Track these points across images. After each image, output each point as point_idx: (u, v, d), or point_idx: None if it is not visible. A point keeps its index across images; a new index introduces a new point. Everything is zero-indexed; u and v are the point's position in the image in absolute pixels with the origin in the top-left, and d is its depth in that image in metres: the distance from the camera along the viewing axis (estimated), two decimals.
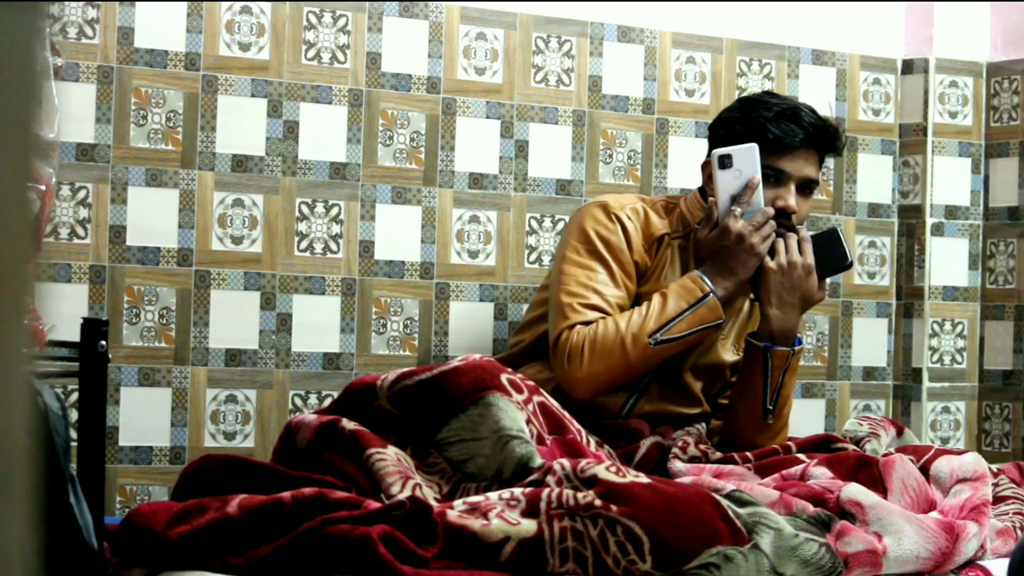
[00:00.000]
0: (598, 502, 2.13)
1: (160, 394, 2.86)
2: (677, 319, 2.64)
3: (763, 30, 3.45)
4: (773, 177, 2.71)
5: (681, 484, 2.30)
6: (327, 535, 2.05)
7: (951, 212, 3.57)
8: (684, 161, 3.29)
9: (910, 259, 3.56)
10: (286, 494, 2.14)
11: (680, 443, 2.63)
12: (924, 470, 2.59)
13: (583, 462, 2.23)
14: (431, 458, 2.31)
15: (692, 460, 2.59)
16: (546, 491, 2.16)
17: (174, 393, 2.87)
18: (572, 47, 3.23)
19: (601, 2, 3.27)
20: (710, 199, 2.70)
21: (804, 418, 3.41)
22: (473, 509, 2.15)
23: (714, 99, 3.35)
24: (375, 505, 2.12)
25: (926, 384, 3.53)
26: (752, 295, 2.80)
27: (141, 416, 2.84)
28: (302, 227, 2.98)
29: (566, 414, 2.47)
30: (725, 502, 2.22)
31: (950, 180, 3.57)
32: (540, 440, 2.34)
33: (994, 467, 2.69)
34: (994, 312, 3.58)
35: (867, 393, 3.53)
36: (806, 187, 2.75)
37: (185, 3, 2.89)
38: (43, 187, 1.85)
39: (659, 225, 2.79)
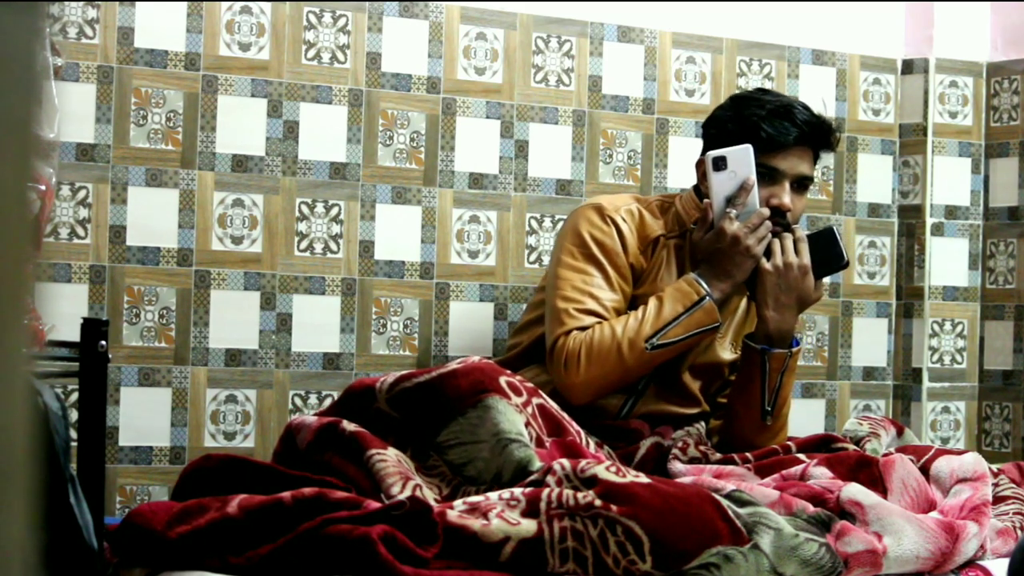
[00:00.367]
0: (598, 502, 2.13)
1: (160, 394, 2.86)
2: (673, 323, 2.63)
3: (763, 30, 3.45)
4: (767, 175, 2.70)
5: (681, 484, 2.30)
6: (327, 535, 2.05)
7: (951, 212, 3.57)
8: (684, 161, 3.29)
9: (910, 259, 3.56)
10: (286, 494, 2.14)
11: (680, 444, 2.63)
12: (924, 470, 2.59)
13: (583, 462, 2.23)
14: (431, 461, 2.31)
15: (692, 461, 2.59)
16: (546, 491, 2.16)
17: (174, 393, 2.87)
18: (572, 47, 3.23)
19: (601, 2, 3.27)
20: (705, 201, 2.69)
21: (804, 418, 3.41)
22: (473, 509, 2.15)
23: (714, 99, 3.35)
24: (375, 505, 2.12)
25: (926, 384, 3.53)
26: (749, 295, 2.80)
27: (141, 416, 2.84)
28: (302, 227, 2.98)
29: (565, 416, 2.47)
30: (725, 502, 2.22)
31: (950, 180, 3.57)
32: (539, 443, 2.33)
33: (994, 467, 2.69)
34: (994, 312, 3.58)
35: (867, 393, 3.53)
36: (801, 184, 2.74)
37: (185, 3, 2.89)
38: (43, 187, 1.85)
39: (654, 226, 2.78)
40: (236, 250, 2.93)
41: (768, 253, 2.68)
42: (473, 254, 3.12)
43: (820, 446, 2.71)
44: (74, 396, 2.54)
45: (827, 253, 2.71)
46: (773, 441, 2.71)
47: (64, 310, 2.72)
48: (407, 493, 2.16)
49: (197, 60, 2.90)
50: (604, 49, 3.26)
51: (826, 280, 3.49)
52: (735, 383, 2.78)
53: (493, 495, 2.20)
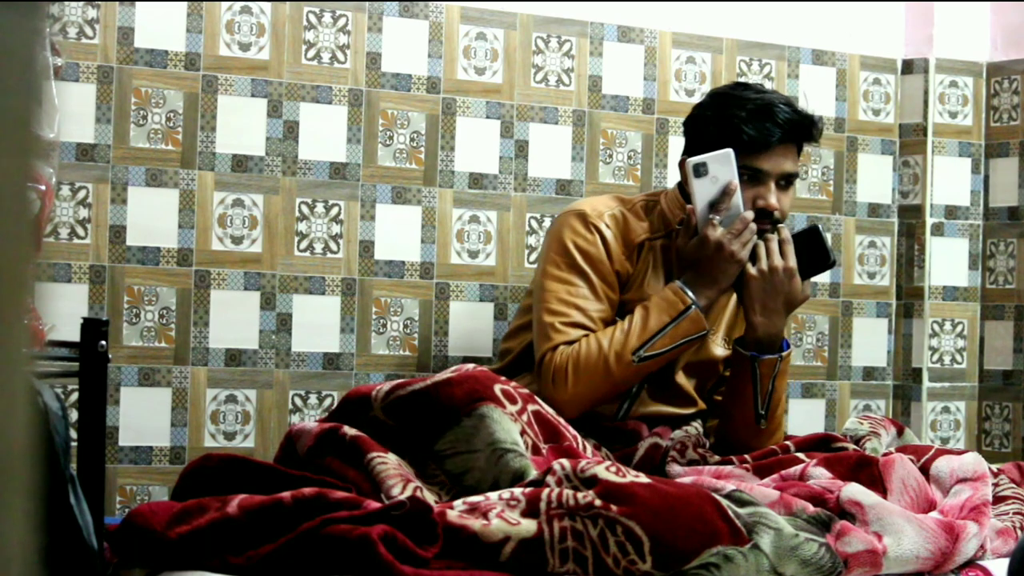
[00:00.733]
0: (598, 502, 2.13)
1: (160, 394, 2.86)
2: (660, 334, 2.61)
3: (763, 30, 3.45)
4: (752, 176, 2.67)
5: (681, 484, 2.30)
6: (327, 535, 2.05)
7: (951, 212, 3.57)
8: None
9: (910, 259, 3.56)
10: (286, 494, 2.14)
11: (677, 446, 2.63)
12: (924, 470, 2.59)
13: (583, 462, 2.23)
14: (429, 470, 2.31)
15: (690, 463, 2.59)
16: (546, 491, 2.16)
17: (174, 393, 2.87)
18: (572, 47, 3.23)
19: (601, 2, 3.27)
20: (688, 207, 2.65)
21: (804, 418, 3.41)
22: (473, 509, 2.15)
23: None
24: (375, 505, 2.12)
25: (926, 384, 3.53)
26: (737, 297, 2.79)
27: (141, 416, 2.84)
28: (302, 227, 2.98)
29: (561, 421, 2.46)
30: (725, 502, 2.22)
31: (950, 180, 3.57)
32: (535, 450, 2.33)
33: (994, 467, 2.69)
34: (994, 312, 3.58)
35: (867, 393, 3.53)
36: (786, 181, 2.71)
37: (185, 3, 2.89)
38: (43, 187, 1.85)
39: (639, 229, 2.75)
40: (236, 250, 2.93)
41: (753, 257, 2.65)
42: (473, 254, 3.12)
43: (819, 445, 2.71)
44: (74, 396, 2.53)
45: (813, 253, 2.68)
46: (770, 442, 2.71)
47: (64, 310, 2.72)
48: (407, 494, 2.17)
49: (197, 60, 2.90)
50: (604, 49, 3.26)
51: (825, 279, 3.49)
52: (727, 388, 2.77)
53: (493, 495, 2.20)
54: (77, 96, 2.79)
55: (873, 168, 3.56)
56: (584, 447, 2.49)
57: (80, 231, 2.81)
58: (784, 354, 2.71)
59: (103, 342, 2.02)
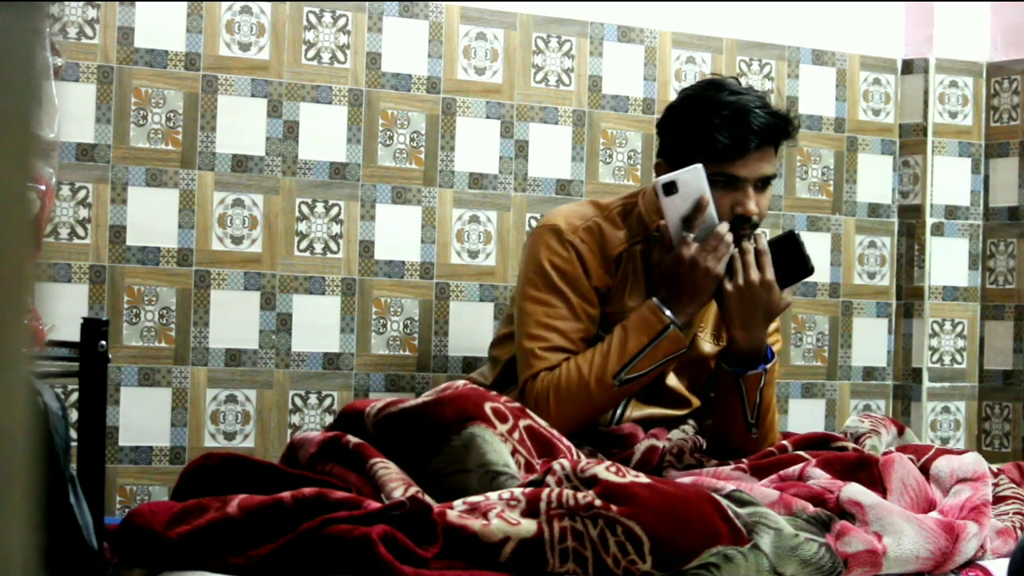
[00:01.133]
0: (598, 502, 2.13)
1: (160, 394, 2.86)
2: (639, 356, 2.56)
3: (763, 30, 3.45)
4: (728, 182, 2.60)
5: (681, 484, 2.30)
6: (327, 535, 2.05)
7: (951, 212, 3.57)
8: None
9: (910, 259, 3.56)
10: (286, 494, 2.14)
11: (675, 450, 2.62)
12: (924, 470, 2.59)
13: (583, 462, 2.23)
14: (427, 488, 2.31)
15: (687, 468, 2.58)
16: (546, 491, 2.16)
17: (174, 393, 2.87)
18: (572, 47, 3.23)
19: (601, 2, 3.27)
20: (661, 223, 2.59)
21: (804, 419, 3.41)
22: (473, 509, 2.16)
23: None
24: (375, 505, 2.12)
25: (926, 384, 3.53)
26: (718, 307, 2.71)
27: (141, 416, 2.84)
28: (302, 227, 2.98)
29: (554, 432, 2.44)
30: (725, 502, 2.22)
31: (950, 180, 3.57)
32: (529, 468, 2.32)
33: (994, 467, 2.69)
34: (994, 312, 3.58)
35: (867, 393, 3.53)
36: (763, 183, 2.65)
37: (185, 3, 2.89)
38: (43, 187, 1.85)
39: (616, 240, 2.69)
40: (236, 250, 2.93)
41: (730, 271, 2.58)
42: (473, 254, 3.12)
43: (817, 444, 2.71)
44: (74, 396, 2.53)
45: (791, 261, 2.60)
46: (764, 445, 2.69)
47: (64, 310, 2.72)
48: (408, 495, 2.17)
49: (197, 60, 2.90)
50: (604, 49, 3.26)
51: (825, 279, 3.49)
52: (716, 399, 2.72)
53: (493, 495, 2.20)
54: (77, 96, 2.79)
55: (873, 168, 3.56)
56: (579, 457, 2.48)
57: (80, 231, 2.81)
58: (768, 366, 2.65)
59: (103, 342, 2.02)
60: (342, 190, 3.01)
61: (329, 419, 2.96)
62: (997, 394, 3.57)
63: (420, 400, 2.38)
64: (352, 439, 2.34)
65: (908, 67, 3.59)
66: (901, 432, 2.91)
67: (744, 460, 2.59)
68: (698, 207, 2.54)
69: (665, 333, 2.56)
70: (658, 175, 2.70)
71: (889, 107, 3.59)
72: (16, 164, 0.69)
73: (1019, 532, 2.50)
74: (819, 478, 2.45)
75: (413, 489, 2.20)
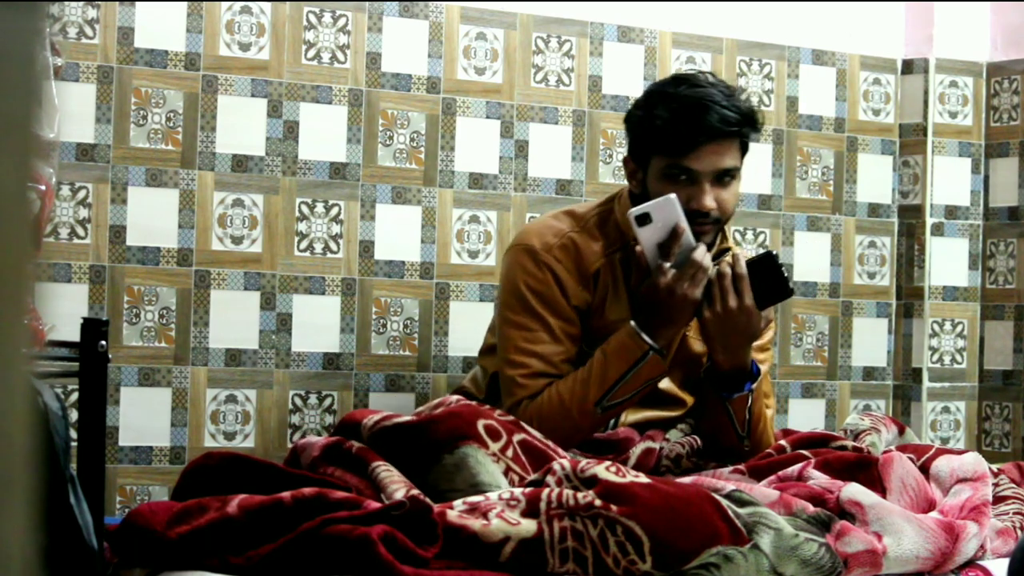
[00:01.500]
0: (598, 502, 2.13)
1: (160, 394, 2.86)
2: (620, 382, 2.53)
3: (763, 30, 3.45)
4: (683, 176, 2.56)
5: (681, 484, 2.30)
6: (327, 535, 2.05)
7: (951, 212, 3.57)
8: None
9: (910, 259, 3.56)
10: (286, 494, 2.14)
11: (672, 454, 2.62)
12: (924, 469, 2.59)
13: (583, 462, 2.23)
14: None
15: (684, 473, 2.57)
16: (546, 491, 2.16)
17: (174, 393, 2.87)
18: (572, 47, 3.23)
19: (601, 2, 3.27)
20: (637, 248, 2.54)
21: (804, 419, 3.41)
22: (473, 509, 2.16)
23: None
24: (375, 505, 2.12)
25: (926, 384, 3.53)
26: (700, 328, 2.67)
27: (141, 416, 2.84)
28: (302, 227, 2.98)
29: (549, 443, 2.43)
30: (725, 502, 2.22)
31: (950, 180, 3.57)
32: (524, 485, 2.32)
33: (994, 467, 2.69)
34: (994, 312, 3.58)
35: (867, 393, 3.53)
36: (724, 177, 2.58)
37: (185, 3, 2.89)
38: (43, 187, 1.85)
39: (593, 255, 2.64)
40: (236, 250, 2.93)
41: (709, 296, 2.53)
42: (473, 254, 3.12)
43: (816, 443, 2.71)
44: (74, 396, 2.53)
45: (769, 283, 2.55)
46: (760, 450, 2.67)
47: (64, 310, 2.72)
48: (408, 496, 2.17)
49: (197, 60, 2.90)
50: (604, 49, 3.26)
51: (825, 279, 3.49)
52: (705, 416, 2.67)
53: (493, 495, 2.20)
54: (77, 96, 2.79)
55: (873, 168, 3.56)
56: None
57: (80, 231, 2.81)
58: (754, 387, 2.61)
59: (103, 342, 2.02)
60: (342, 190, 3.01)
61: (329, 419, 2.97)
62: (997, 394, 3.57)
63: (414, 416, 2.39)
64: (355, 444, 2.35)
65: (908, 67, 3.59)
66: (901, 432, 2.91)
67: (742, 464, 2.58)
68: (673, 235, 2.50)
69: (644, 360, 2.52)
70: (625, 172, 2.68)
71: (889, 107, 3.59)
72: (16, 164, 0.69)
73: (1019, 532, 2.50)
74: (819, 478, 2.45)
75: (415, 492, 2.20)
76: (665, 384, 2.69)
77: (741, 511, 2.22)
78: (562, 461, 2.26)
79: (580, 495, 2.14)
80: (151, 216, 2.86)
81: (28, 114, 0.70)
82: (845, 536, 2.28)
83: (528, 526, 2.12)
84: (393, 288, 3.05)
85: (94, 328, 2.02)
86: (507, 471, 2.30)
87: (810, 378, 3.47)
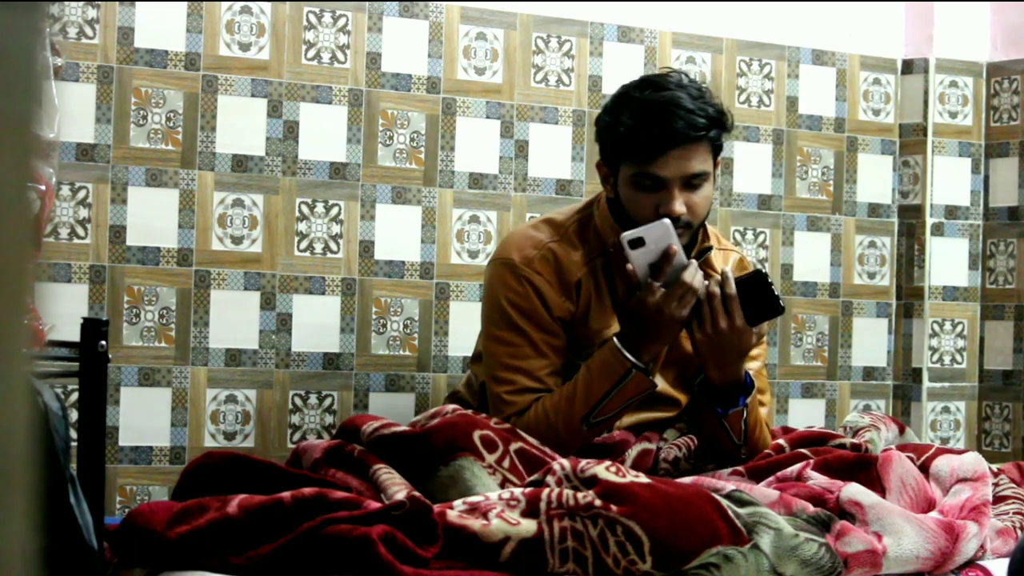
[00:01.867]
0: (598, 502, 2.13)
1: (160, 394, 2.86)
2: (604, 399, 2.50)
3: (763, 30, 3.45)
4: (652, 183, 2.53)
5: (681, 484, 2.30)
6: (327, 535, 2.05)
7: (951, 212, 3.57)
8: None
9: (910, 259, 3.56)
10: (286, 494, 2.14)
11: (669, 456, 2.61)
12: (924, 469, 2.59)
13: (583, 462, 2.23)
14: None
15: (683, 474, 2.56)
16: (546, 491, 2.16)
17: (174, 393, 2.87)
18: (572, 47, 3.23)
19: (601, 2, 3.27)
20: (628, 267, 2.49)
21: (804, 418, 3.41)
22: (473, 509, 2.16)
23: None
24: (375, 505, 2.13)
25: (926, 384, 3.53)
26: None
27: (141, 416, 2.84)
28: (302, 227, 2.98)
29: (547, 450, 2.42)
30: (725, 502, 2.22)
31: (950, 180, 3.57)
32: None
33: (994, 467, 2.69)
34: (994, 312, 3.58)
35: (867, 393, 3.53)
36: (693, 181, 2.54)
37: (185, 3, 2.89)
38: (43, 187, 1.85)
39: (573, 266, 2.62)
40: (236, 250, 2.93)
41: (699, 317, 2.51)
42: (473, 254, 3.12)
43: (815, 442, 2.71)
44: (74, 396, 2.53)
45: (760, 301, 2.52)
46: (758, 452, 2.66)
47: (64, 310, 2.72)
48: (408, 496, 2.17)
49: (197, 60, 2.90)
50: (604, 49, 3.26)
51: (825, 279, 3.49)
52: (702, 426, 2.64)
53: (493, 495, 2.20)
54: (77, 96, 2.79)
55: (873, 168, 3.56)
56: None
57: (80, 231, 2.81)
58: (748, 400, 2.59)
59: (103, 342, 2.02)
60: (342, 190, 3.01)
61: (329, 419, 2.97)
62: (997, 394, 3.57)
63: (411, 427, 2.40)
64: (357, 447, 2.36)
65: (908, 67, 3.59)
66: (901, 431, 2.91)
67: (741, 469, 2.58)
68: (665, 256, 2.47)
69: (628, 377, 2.49)
70: (600, 176, 2.66)
71: (889, 107, 3.59)
72: (16, 164, 0.69)
73: (1019, 532, 2.50)
74: (817, 479, 2.45)
75: (415, 492, 2.21)
76: (659, 384, 2.65)
77: (741, 511, 2.22)
78: (562, 461, 2.26)
79: (580, 495, 2.14)
80: (151, 216, 2.86)
81: (28, 114, 0.70)
82: (845, 536, 2.28)
83: (528, 526, 2.12)
84: (393, 288, 3.05)
85: (94, 328, 2.02)
86: (503, 482, 2.30)
87: (810, 378, 3.47)
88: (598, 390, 2.50)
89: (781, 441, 2.72)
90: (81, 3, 2.81)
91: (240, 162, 2.93)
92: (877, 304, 3.55)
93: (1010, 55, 3.59)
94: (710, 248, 2.68)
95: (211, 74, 2.91)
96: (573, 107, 3.22)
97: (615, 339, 2.50)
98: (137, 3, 2.85)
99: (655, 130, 2.51)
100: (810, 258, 3.47)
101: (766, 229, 3.42)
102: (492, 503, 2.16)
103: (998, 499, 2.58)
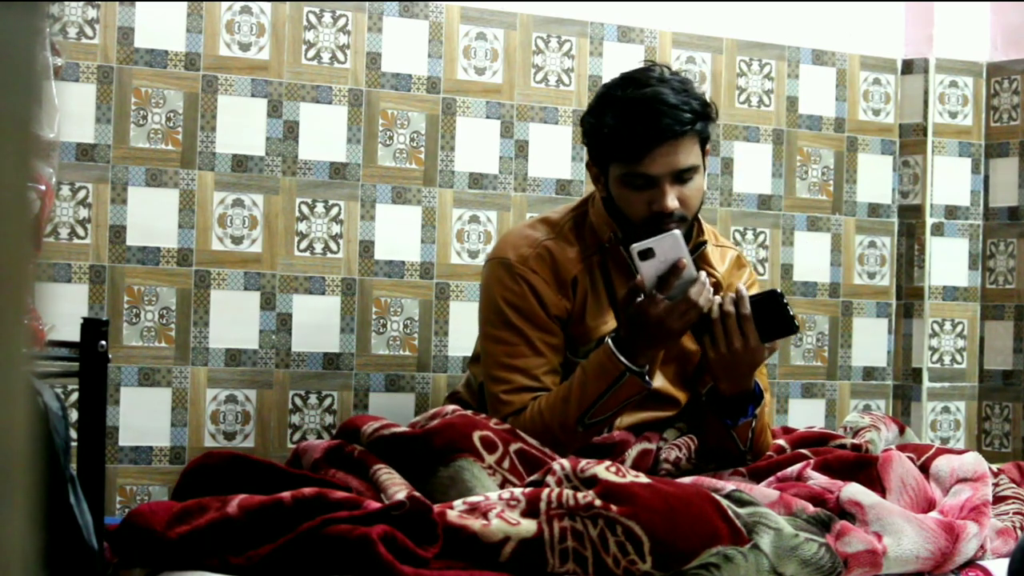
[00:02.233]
0: (598, 502, 2.13)
1: (160, 394, 2.86)
2: (599, 401, 2.48)
3: (763, 30, 3.45)
4: (641, 181, 2.52)
5: (681, 484, 2.30)
6: (327, 535, 2.05)
7: (951, 212, 3.57)
8: None
9: (910, 259, 3.56)
10: (286, 494, 2.14)
11: (673, 457, 2.61)
12: (924, 469, 2.59)
13: (583, 462, 2.23)
14: None
15: (684, 474, 2.56)
16: (546, 491, 2.16)
17: (174, 393, 2.87)
18: (572, 47, 3.23)
19: (601, 2, 3.27)
20: (637, 279, 2.46)
21: (804, 418, 3.41)
22: (473, 509, 2.16)
23: (714, 99, 3.35)
24: (375, 505, 2.13)
25: (926, 384, 3.53)
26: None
27: (141, 416, 2.84)
28: (302, 227, 2.98)
29: (547, 451, 2.41)
30: (725, 502, 2.22)
31: (950, 180, 3.57)
32: None
33: (994, 467, 2.69)
34: (994, 312, 3.58)
35: (867, 393, 3.53)
36: (683, 175, 2.52)
37: (185, 3, 2.89)
38: (43, 187, 1.85)
39: (569, 263, 2.61)
40: (236, 250, 2.93)
41: (712, 337, 2.49)
42: (473, 254, 3.12)
43: (816, 442, 2.70)
44: (74, 396, 2.53)
45: (774, 320, 2.50)
46: (761, 454, 2.66)
47: (64, 310, 2.72)
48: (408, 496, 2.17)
49: (197, 60, 2.90)
50: (604, 49, 3.26)
51: (825, 279, 3.49)
52: (707, 434, 2.62)
53: (493, 495, 2.20)
54: (77, 96, 2.79)
55: (873, 168, 3.56)
56: None
57: (80, 231, 2.81)
58: (758, 411, 2.58)
59: (103, 342, 2.02)
60: (342, 190, 3.01)
61: (329, 419, 2.97)
62: (997, 394, 3.57)
63: (410, 428, 2.40)
64: (357, 447, 2.36)
65: (908, 67, 3.59)
66: (902, 431, 2.91)
67: (743, 470, 2.58)
68: (674, 269, 2.45)
69: (622, 379, 2.47)
70: (591, 176, 2.65)
71: (889, 107, 3.59)
72: (16, 164, 0.69)
73: (1019, 532, 2.50)
74: (818, 479, 2.45)
75: (415, 492, 2.21)
76: (659, 382, 2.66)
77: (741, 511, 2.22)
78: (562, 461, 2.26)
79: (580, 495, 2.14)
80: (151, 216, 2.86)
81: (28, 114, 0.70)
82: (845, 536, 2.28)
83: (528, 526, 2.12)
84: (393, 288, 3.05)
85: (94, 328, 2.02)
86: (503, 483, 2.30)
87: (810, 378, 3.47)
88: (593, 391, 2.49)
89: (781, 441, 2.73)
90: (81, 3, 2.81)
91: (240, 162, 2.93)
92: (877, 304, 3.55)
93: (1010, 55, 3.59)
94: (705, 243, 2.67)
95: (211, 74, 2.91)
96: (573, 107, 3.22)
97: (610, 341, 2.49)
98: (137, 3, 2.85)
99: (640, 128, 2.50)
100: (810, 258, 3.47)
101: (766, 229, 3.42)
102: (492, 503, 2.16)
103: (998, 499, 2.59)
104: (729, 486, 2.34)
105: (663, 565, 2.11)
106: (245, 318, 2.93)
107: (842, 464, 2.51)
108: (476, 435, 2.33)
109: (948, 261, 3.56)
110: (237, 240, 2.92)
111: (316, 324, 2.98)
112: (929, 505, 2.49)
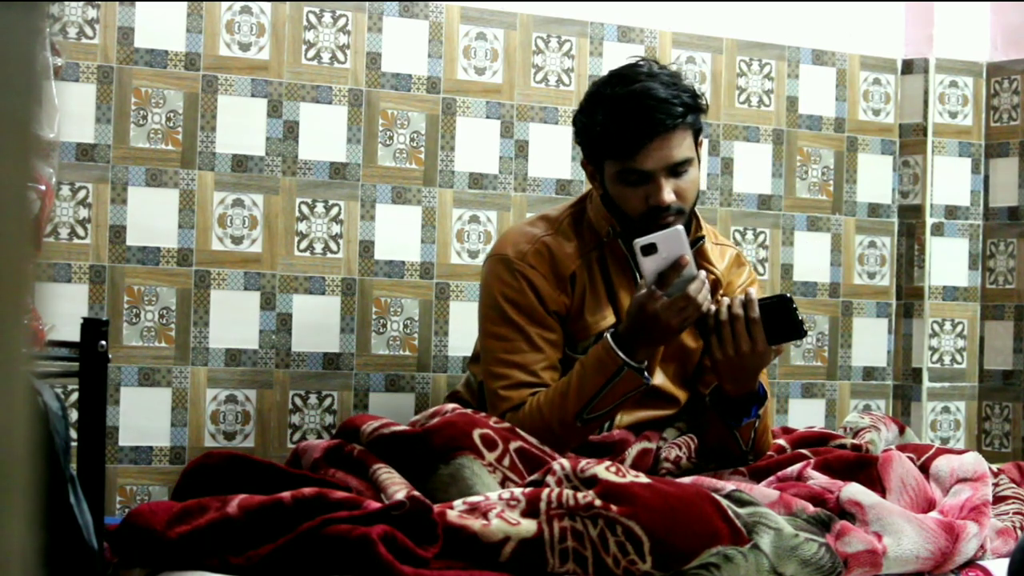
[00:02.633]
0: (598, 502, 2.13)
1: (160, 394, 2.86)
2: (598, 396, 2.48)
3: (763, 30, 3.45)
4: (636, 176, 2.52)
5: (681, 484, 2.30)
6: (327, 535, 2.05)
7: (951, 212, 3.57)
8: None
9: (910, 259, 3.56)
10: (286, 494, 2.14)
11: (673, 456, 2.61)
12: (924, 469, 2.59)
13: (583, 462, 2.23)
14: None
15: (684, 474, 2.56)
16: (546, 491, 2.16)
17: (174, 393, 2.87)
18: (572, 47, 3.23)
19: (601, 2, 3.27)
20: (641, 281, 2.47)
21: (804, 419, 3.41)
22: (473, 509, 2.16)
23: (714, 99, 3.35)
24: (375, 505, 2.13)
25: (926, 384, 3.53)
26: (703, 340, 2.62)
27: (141, 416, 2.84)
28: (302, 227, 2.98)
29: (547, 449, 2.41)
30: (725, 502, 2.22)
31: (950, 180, 3.57)
32: None
33: (994, 467, 2.70)
34: (994, 312, 3.58)
35: (867, 393, 3.53)
36: (678, 168, 2.52)
37: (185, 3, 2.89)
38: (43, 187, 1.85)
39: (568, 259, 2.61)
40: (236, 250, 2.93)
41: (720, 339, 2.49)
42: (473, 254, 3.12)
43: (816, 442, 2.70)
44: (74, 396, 2.53)
45: (783, 324, 2.50)
46: (762, 453, 2.66)
47: (64, 310, 2.72)
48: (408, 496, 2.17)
49: (197, 60, 2.90)
50: (604, 49, 3.26)
51: (825, 279, 3.49)
52: (709, 434, 2.62)
53: (493, 495, 2.20)
54: (77, 96, 2.79)
55: (873, 168, 3.56)
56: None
57: (80, 231, 2.81)
58: (761, 412, 2.57)
59: (103, 342, 2.02)
60: (342, 190, 3.01)
61: (329, 419, 2.97)
62: (997, 394, 3.57)
63: (410, 426, 2.40)
64: (356, 447, 2.36)
65: (908, 67, 3.59)
66: (902, 431, 2.91)
67: (743, 469, 2.58)
68: (675, 266, 2.45)
69: (620, 374, 2.47)
70: (586, 174, 2.66)
71: (889, 107, 3.59)
72: (16, 164, 0.69)
73: (1019, 532, 2.51)
74: (818, 479, 2.45)
75: (415, 492, 2.21)
76: (659, 380, 2.66)
77: (741, 511, 2.22)
78: (562, 461, 2.26)
79: (580, 495, 2.14)
80: (151, 216, 2.86)
81: (28, 114, 0.70)
82: (845, 536, 2.28)
83: (528, 526, 2.12)
84: (393, 288, 3.05)
85: (94, 328, 2.02)
86: (504, 481, 2.30)
87: (810, 378, 3.47)
88: (591, 386, 2.49)
89: (781, 441, 2.73)
90: (81, 3, 2.81)
91: (240, 162, 2.93)
92: (877, 304, 3.55)
93: (1010, 55, 3.59)
94: (703, 238, 2.68)
95: (211, 74, 2.91)
96: (573, 107, 3.22)
97: (608, 336, 2.50)
98: (137, 3, 2.85)
99: (632, 125, 2.50)
100: (810, 258, 3.48)
101: (766, 229, 3.42)
102: (492, 503, 2.17)
103: (998, 499, 2.59)
104: (729, 486, 2.34)
105: (663, 565, 2.11)
106: (245, 318, 2.93)
107: (842, 464, 2.51)
108: (476, 433, 2.33)
109: (948, 261, 3.56)
110: (237, 240, 2.92)
111: (316, 324, 2.99)
112: (929, 505, 2.49)
